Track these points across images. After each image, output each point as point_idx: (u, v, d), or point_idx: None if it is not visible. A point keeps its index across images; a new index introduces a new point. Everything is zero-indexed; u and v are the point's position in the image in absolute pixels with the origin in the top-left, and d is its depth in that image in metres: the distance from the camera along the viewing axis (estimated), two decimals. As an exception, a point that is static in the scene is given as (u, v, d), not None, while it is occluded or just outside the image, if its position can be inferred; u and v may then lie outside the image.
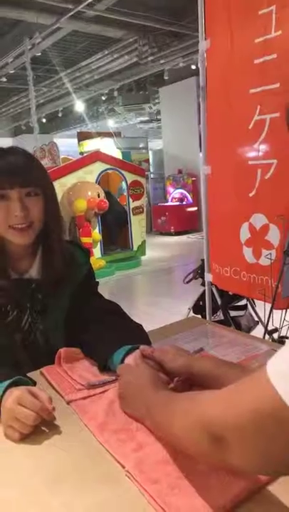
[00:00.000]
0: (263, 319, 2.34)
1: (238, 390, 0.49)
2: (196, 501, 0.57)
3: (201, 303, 2.83)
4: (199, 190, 9.05)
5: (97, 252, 6.33)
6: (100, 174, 6.40)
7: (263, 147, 2.01)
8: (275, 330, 2.17)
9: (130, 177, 6.86)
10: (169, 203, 10.29)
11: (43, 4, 5.76)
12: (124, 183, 6.94)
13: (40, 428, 0.76)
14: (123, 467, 0.65)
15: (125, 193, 6.96)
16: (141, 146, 12.36)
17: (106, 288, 5.37)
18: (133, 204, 6.95)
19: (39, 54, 7.63)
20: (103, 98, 11.14)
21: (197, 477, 0.61)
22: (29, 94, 7.86)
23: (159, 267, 6.75)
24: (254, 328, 2.73)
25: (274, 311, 2.04)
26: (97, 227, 6.28)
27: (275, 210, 1.98)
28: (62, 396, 0.88)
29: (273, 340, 2.16)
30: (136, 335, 1.01)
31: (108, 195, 6.39)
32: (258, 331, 2.55)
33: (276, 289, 1.98)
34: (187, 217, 9.92)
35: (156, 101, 10.88)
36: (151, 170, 12.21)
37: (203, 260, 2.57)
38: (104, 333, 1.02)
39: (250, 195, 2.10)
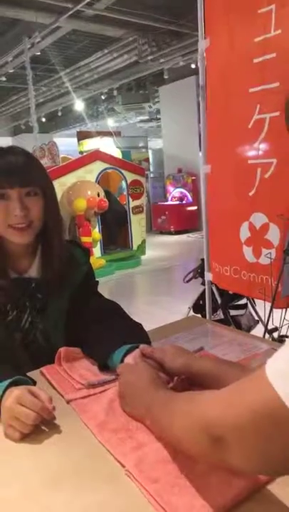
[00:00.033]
0: (263, 318, 2.34)
1: (237, 390, 0.49)
2: (195, 500, 0.57)
3: (201, 302, 2.83)
4: (199, 190, 9.06)
5: (97, 251, 6.33)
6: (99, 173, 6.40)
7: (263, 146, 2.01)
8: (275, 329, 2.17)
9: (130, 176, 6.86)
10: (169, 202, 10.29)
11: (42, 3, 5.76)
12: (123, 183, 6.93)
13: (40, 427, 0.76)
14: (123, 466, 0.65)
15: (125, 193, 6.96)
16: (141, 145, 12.36)
17: (106, 287, 5.37)
18: (133, 203, 6.95)
19: (38, 53, 7.63)
20: (103, 97, 11.14)
21: (197, 476, 0.61)
22: (28, 93, 7.87)
23: (159, 267, 6.75)
24: (254, 327, 2.73)
25: (274, 310, 2.04)
26: (97, 227, 6.28)
27: (275, 209, 1.98)
28: (62, 395, 0.88)
29: (273, 339, 2.16)
30: (136, 334, 1.01)
31: (108, 194, 6.39)
32: (258, 330, 2.55)
33: (276, 288, 1.98)
34: (187, 216, 9.92)
35: (156, 100, 10.88)
36: (151, 169, 12.21)
37: (203, 259, 2.57)
38: (104, 332, 1.02)
39: (250, 194, 2.10)
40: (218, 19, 2.17)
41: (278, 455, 0.43)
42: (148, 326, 1.12)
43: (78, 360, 1.02)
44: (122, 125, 13.22)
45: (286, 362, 0.42)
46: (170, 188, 10.40)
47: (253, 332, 2.63)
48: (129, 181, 6.86)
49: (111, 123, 12.71)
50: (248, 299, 2.71)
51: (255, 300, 2.64)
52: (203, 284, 2.68)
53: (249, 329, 2.69)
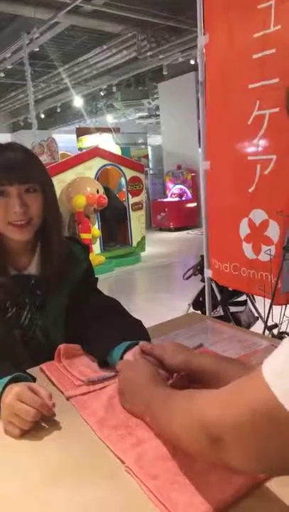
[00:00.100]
0: (262, 315, 2.34)
1: (235, 390, 0.49)
2: (195, 497, 0.57)
3: (200, 299, 2.83)
4: (199, 186, 9.04)
5: (96, 248, 6.33)
6: (99, 170, 6.39)
7: (263, 142, 2.00)
8: (275, 325, 2.17)
9: (129, 173, 6.85)
10: (169, 199, 10.28)
11: (41, -2, 5.73)
12: (123, 179, 6.92)
13: (40, 424, 0.76)
14: (123, 463, 0.65)
15: (124, 189, 6.95)
16: (140, 141, 12.33)
17: (105, 284, 5.37)
18: (132, 200, 6.95)
19: (37, 49, 7.59)
20: (102, 93, 11.10)
21: (196, 473, 0.61)
22: (27, 89, 7.84)
23: (159, 263, 6.75)
24: (254, 323, 2.73)
25: (274, 306, 2.04)
26: (97, 224, 6.27)
27: (275, 206, 1.98)
28: (62, 392, 0.88)
29: (273, 335, 2.16)
30: (135, 331, 1.01)
31: (107, 191, 6.38)
32: (258, 327, 2.55)
33: (276, 284, 1.98)
34: (186, 213, 9.91)
35: (155, 96, 10.85)
36: (151, 166, 12.19)
37: (202, 256, 2.57)
38: (104, 329, 1.02)
39: (250, 190, 2.10)
40: (218, 15, 2.16)
41: (276, 455, 0.43)
42: (148, 323, 1.12)
43: (78, 356, 1.03)
44: (121, 121, 13.18)
45: (282, 361, 0.42)
46: (169, 185, 10.39)
47: (253, 328, 2.63)
48: (128, 178, 6.84)
49: (110, 119, 12.67)
50: (247, 295, 2.71)
51: (255, 297, 2.64)
52: (202, 280, 2.68)
53: (249, 326, 2.69)
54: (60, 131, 14.00)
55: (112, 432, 0.73)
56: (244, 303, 2.76)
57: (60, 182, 5.75)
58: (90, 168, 6.26)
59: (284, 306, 2.10)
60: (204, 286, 2.61)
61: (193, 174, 9.70)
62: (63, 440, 0.73)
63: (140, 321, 1.07)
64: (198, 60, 2.35)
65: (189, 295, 2.96)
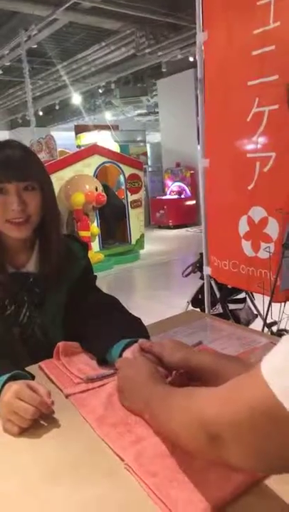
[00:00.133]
0: (261, 312, 2.34)
1: (234, 387, 0.49)
2: (194, 494, 0.57)
3: (199, 296, 2.83)
4: (198, 184, 9.03)
5: (95, 245, 6.33)
6: (97, 167, 6.38)
7: (262, 140, 2.00)
8: (274, 323, 2.17)
9: (128, 170, 6.84)
10: (168, 197, 10.27)
11: (39, -5, 5.71)
12: (122, 177, 6.91)
13: (39, 422, 0.76)
14: (122, 460, 0.65)
15: (123, 187, 6.94)
16: (139, 139, 12.31)
17: (104, 282, 5.37)
18: (131, 197, 6.94)
19: (35, 46, 7.56)
20: (100, 91, 11.07)
21: (195, 471, 0.61)
22: (25, 86, 7.81)
23: (158, 261, 6.75)
24: (253, 321, 2.73)
25: (273, 304, 2.04)
26: (96, 221, 6.27)
27: (274, 203, 1.98)
28: (61, 390, 0.88)
29: (272, 333, 2.17)
30: (134, 328, 1.01)
31: (106, 188, 6.37)
32: (257, 324, 2.56)
33: (275, 282, 1.98)
34: (186, 210, 9.91)
35: (154, 93, 10.82)
36: (150, 163, 12.17)
37: (201, 253, 2.57)
38: (103, 326, 1.02)
39: (249, 188, 2.09)
40: (217, 12, 2.15)
41: (275, 453, 0.43)
42: (147, 321, 1.12)
43: (77, 354, 1.02)
44: (120, 119, 13.15)
45: (281, 359, 0.42)
46: (168, 182, 10.38)
47: (252, 326, 2.63)
48: (127, 175, 6.84)
49: (109, 116, 12.64)
50: (246, 293, 2.72)
51: (254, 294, 2.64)
52: (202, 278, 2.68)
53: (248, 323, 2.70)
54: (58, 129, 13.97)
55: (111, 430, 0.73)
56: (243, 300, 2.77)
57: (58, 179, 5.74)
58: (89, 166, 6.25)
59: (283, 304, 2.10)
60: (203, 283, 2.61)
61: (192, 172, 9.69)
62: (62, 438, 0.73)
63: (139, 319, 1.07)
64: (197, 57, 2.34)
65: (188, 292, 2.96)
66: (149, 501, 0.57)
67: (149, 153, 12.37)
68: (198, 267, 2.80)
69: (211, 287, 2.59)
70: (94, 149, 6.45)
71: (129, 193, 6.89)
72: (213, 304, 2.64)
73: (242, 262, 2.22)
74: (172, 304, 3.71)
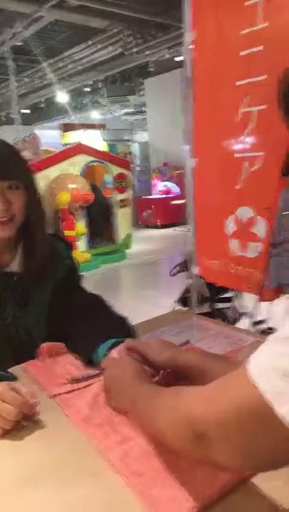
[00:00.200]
0: (249, 311, 2.35)
1: (221, 386, 0.49)
2: (180, 494, 0.57)
3: (187, 295, 2.83)
4: (185, 183, 9.05)
5: (82, 245, 6.29)
6: (84, 166, 6.34)
7: (250, 140, 2.00)
8: (261, 321, 2.18)
9: (115, 170, 6.82)
10: (155, 196, 10.28)
11: (25, -8, 5.65)
12: (109, 176, 6.89)
13: (23, 423, 0.75)
14: (108, 460, 0.64)
15: (110, 186, 6.91)
16: (126, 138, 12.29)
17: (91, 281, 5.34)
18: (118, 197, 6.92)
19: (20, 43, 7.49)
20: (87, 89, 11.02)
21: (182, 470, 0.61)
22: (10, 84, 7.73)
23: (145, 260, 6.75)
24: (239, 319, 2.75)
25: (260, 302, 2.05)
26: (82, 220, 6.23)
27: (262, 203, 1.98)
28: (46, 390, 0.86)
29: (259, 331, 2.18)
30: (121, 328, 1.00)
31: (93, 187, 6.34)
32: (244, 322, 2.57)
33: (263, 281, 1.99)
34: (173, 210, 9.91)
35: (142, 93, 10.82)
36: (137, 162, 12.16)
37: (189, 253, 2.57)
38: (89, 326, 1.01)
39: (237, 187, 2.10)
40: (205, 11, 2.15)
41: (261, 451, 0.43)
42: (134, 320, 1.11)
43: (62, 355, 1.01)
44: (107, 118, 13.12)
45: (267, 358, 0.42)
46: (156, 182, 10.38)
47: (239, 324, 2.64)
48: (114, 175, 6.81)
49: (96, 115, 12.59)
50: (234, 291, 2.72)
51: (242, 292, 2.65)
52: (189, 277, 2.68)
53: (234, 321, 2.71)
54: (43, 127, 13.86)
55: (97, 430, 0.72)
56: (230, 299, 2.78)
57: (43, 178, 5.69)
58: (75, 165, 6.21)
59: (270, 302, 2.12)
60: (190, 283, 2.61)
61: (179, 171, 9.71)
62: (46, 439, 0.72)
63: (126, 318, 1.06)
64: (184, 56, 2.34)
65: (176, 292, 2.95)
66: (134, 501, 0.56)
67: (136, 153, 12.36)
68: (185, 266, 2.80)
69: (200, 286, 2.59)
70: (79, 148, 6.40)
71: (116, 192, 6.87)
72: (201, 303, 2.64)
73: (230, 261, 2.22)
74: (159, 304, 3.70)
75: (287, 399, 0.39)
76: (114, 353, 0.89)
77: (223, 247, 2.23)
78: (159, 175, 10.28)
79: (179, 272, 2.89)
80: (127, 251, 7.08)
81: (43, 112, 13.35)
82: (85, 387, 0.87)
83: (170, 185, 10.02)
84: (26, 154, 6.25)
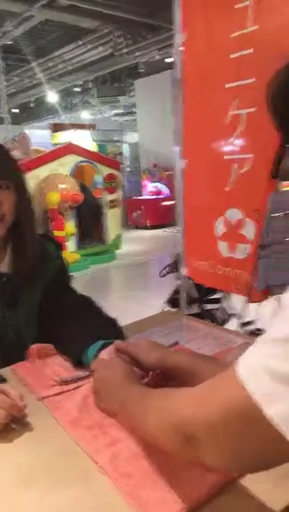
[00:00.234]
0: (237, 312, 2.37)
1: (209, 388, 0.49)
2: (169, 496, 0.57)
3: (176, 296, 2.84)
4: (175, 184, 9.06)
5: (71, 245, 6.26)
6: (74, 167, 6.32)
7: (239, 142, 2.02)
8: (250, 322, 2.20)
9: (105, 170, 6.81)
10: (145, 197, 10.28)
11: (15, -9, 5.61)
12: (99, 176, 6.87)
13: (11, 426, 0.74)
14: (96, 463, 0.64)
15: (100, 186, 6.90)
16: (116, 138, 12.28)
17: (81, 282, 5.32)
18: (108, 197, 6.91)
19: (10, 42, 7.44)
20: (77, 89, 10.99)
21: (171, 471, 0.61)
22: None
23: (135, 261, 6.74)
24: (228, 320, 2.76)
25: (249, 303, 2.06)
26: (72, 221, 6.21)
27: (251, 205, 2.00)
28: (35, 393, 0.86)
29: (247, 332, 2.19)
30: (110, 329, 1.00)
31: (83, 188, 6.32)
32: (233, 323, 2.58)
33: (251, 282, 2.00)
34: (163, 211, 9.93)
35: (132, 93, 10.82)
36: (127, 163, 12.15)
37: (178, 254, 2.58)
38: (78, 327, 1.01)
39: (226, 189, 2.11)
40: (195, 13, 2.16)
41: (250, 452, 0.43)
42: (123, 321, 1.11)
43: (51, 356, 1.00)
44: (97, 118, 13.09)
45: (256, 360, 0.42)
46: (146, 183, 10.39)
47: (228, 325, 2.66)
48: (104, 175, 6.80)
49: (86, 116, 12.56)
50: (222, 292, 2.74)
51: (230, 294, 2.66)
52: (179, 278, 2.68)
53: (223, 322, 2.72)
54: (32, 127, 13.77)
55: (86, 432, 0.72)
56: (219, 300, 2.79)
57: (33, 178, 5.66)
58: (65, 165, 6.18)
59: (258, 304, 2.13)
60: (180, 284, 2.62)
61: (169, 172, 9.73)
62: (34, 441, 0.71)
63: (115, 319, 1.06)
64: (174, 58, 2.34)
65: (165, 293, 2.96)
66: (122, 503, 0.56)
67: (126, 153, 12.35)
68: (175, 267, 2.81)
69: (189, 287, 2.60)
70: (70, 148, 6.38)
71: (106, 193, 6.86)
72: (189, 304, 2.65)
73: (219, 262, 2.24)
74: (149, 305, 3.70)
75: (275, 400, 0.39)
76: (104, 354, 0.89)
77: (211, 248, 2.24)
78: (148, 176, 10.29)
79: (168, 273, 2.89)
80: (117, 251, 7.07)
81: (33, 111, 13.27)
82: (74, 388, 0.86)
83: (160, 186, 10.04)
84: (16, 154, 6.21)
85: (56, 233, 5.67)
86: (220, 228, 2.20)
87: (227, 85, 2.01)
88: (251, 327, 2.21)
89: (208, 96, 2.15)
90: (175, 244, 2.64)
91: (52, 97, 11.07)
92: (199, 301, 2.64)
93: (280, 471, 0.46)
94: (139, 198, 10.36)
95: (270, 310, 2.11)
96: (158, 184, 10.08)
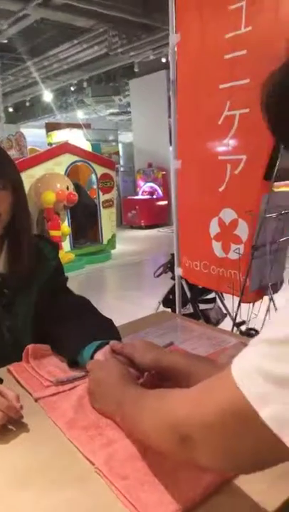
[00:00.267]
0: (231, 312, 2.38)
1: (205, 389, 0.49)
2: (164, 496, 0.57)
3: (170, 296, 2.85)
4: (169, 184, 9.08)
5: (66, 245, 6.25)
6: (69, 166, 6.31)
7: (233, 143, 2.03)
8: (243, 322, 2.21)
9: (100, 170, 6.80)
10: (140, 197, 10.28)
11: (10, -11, 5.59)
12: (93, 176, 6.86)
13: (7, 427, 0.74)
14: (92, 464, 0.64)
15: (95, 186, 6.89)
16: (111, 138, 12.26)
17: (75, 282, 5.32)
18: (103, 197, 6.90)
19: (5, 41, 7.40)
20: (72, 89, 10.95)
21: (166, 472, 0.61)
22: (-5, 82, 7.64)
23: (129, 261, 6.74)
24: (222, 320, 2.77)
25: (242, 303, 2.08)
26: (67, 221, 6.20)
27: (244, 205, 2.01)
28: (31, 393, 0.86)
29: (241, 332, 2.20)
30: (106, 330, 1.00)
31: (78, 187, 6.31)
32: (226, 323, 2.60)
33: (244, 282, 2.01)
34: (157, 211, 9.95)
35: (127, 93, 10.80)
36: (122, 163, 12.14)
37: (173, 254, 2.58)
38: (74, 328, 1.01)
39: (220, 190, 2.12)
40: (190, 14, 2.17)
41: (244, 454, 0.44)
42: (118, 321, 1.11)
43: (47, 357, 1.01)
44: (92, 117, 13.06)
45: (250, 362, 0.43)
46: (140, 183, 10.39)
47: (222, 325, 2.67)
48: (99, 175, 6.80)
49: (81, 115, 12.52)
50: (216, 293, 2.75)
51: (224, 294, 2.68)
52: (173, 278, 2.69)
53: (217, 322, 2.73)
54: (28, 126, 13.71)
55: (82, 433, 0.72)
56: (213, 300, 2.80)
57: (28, 177, 5.65)
58: (60, 164, 6.17)
59: (252, 304, 2.15)
60: (174, 283, 2.63)
61: (163, 172, 9.74)
62: (31, 442, 0.72)
63: (111, 320, 1.06)
64: (169, 58, 2.35)
65: (160, 293, 2.97)
66: (119, 505, 0.56)
67: (121, 153, 12.34)
68: (169, 267, 2.82)
69: (182, 287, 2.61)
70: (65, 147, 6.37)
71: (101, 193, 6.86)
72: (184, 304, 2.66)
73: (212, 262, 2.25)
74: (143, 305, 3.72)
75: (269, 401, 0.39)
76: (100, 355, 0.90)
77: (206, 248, 2.25)
78: (143, 176, 10.29)
79: (162, 273, 2.90)
80: (112, 251, 7.07)
81: (28, 110, 13.21)
82: (70, 389, 0.86)
83: (156, 186, 10.04)
84: (12, 153, 6.19)
85: (52, 233, 5.66)
86: (214, 228, 2.21)
87: (221, 86, 2.03)
88: (245, 327, 2.22)
89: (202, 96, 2.16)
90: (169, 244, 2.65)
91: (47, 96, 11.03)
92: (193, 301, 2.65)
93: (276, 471, 0.46)
94: (134, 197, 10.36)
95: (264, 310, 2.12)
96: (152, 184, 10.09)
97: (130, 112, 11.03)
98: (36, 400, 0.84)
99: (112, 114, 12.99)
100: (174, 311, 2.67)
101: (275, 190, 2.02)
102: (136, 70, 9.22)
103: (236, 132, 2.00)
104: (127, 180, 11.44)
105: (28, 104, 12.10)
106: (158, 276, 2.92)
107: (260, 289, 2.12)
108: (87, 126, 10.41)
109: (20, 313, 1.08)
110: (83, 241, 6.87)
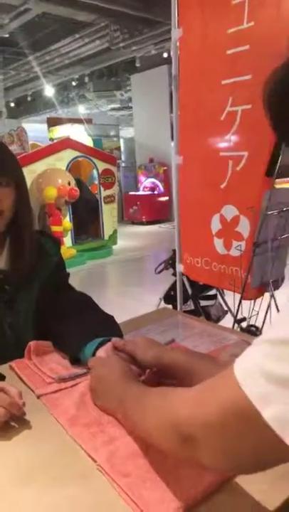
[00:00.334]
0: (232, 309, 2.38)
1: (207, 388, 0.49)
2: (166, 494, 0.57)
3: (172, 293, 2.85)
4: (171, 180, 9.06)
5: (68, 241, 6.26)
6: (70, 161, 6.30)
7: (235, 139, 2.02)
8: (244, 319, 2.21)
9: (101, 165, 6.79)
10: (141, 192, 10.26)
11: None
12: (95, 172, 6.85)
13: (10, 423, 0.75)
14: (94, 461, 0.65)
15: (96, 182, 6.88)
16: (112, 133, 12.22)
17: (77, 277, 5.33)
18: (104, 193, 6.89)
19: (7, 35, 7.37)
20: (74, 83, 10.91)
21: (168, 470, 0.61)
22: (-4, 76, 7.61)
23: (131, 257, 6.75)
24: (223, 317, 2.78)
25: (243, 300, 2.08)
26: (68, 216, 6.19)
27: (246, 202, 2.01)
28: (33, 390, 0.86)
29: (242, 329, 2.21)
30: (107, 327, 1.01)
31: (79, 183, 6.30)
32: (227, 320, 2.60)
33: (245, 279, 2.01)
34: (159, 206, 9.93)
35: (128, 88, 10.76)
36: (123, 158, 12.11)
37: (174, 250, 2.58)
38: (76, 325, 1.01)
39: (222, 186, 2.12)
40: (192, 9, 2.16)
41: (246, 453, 0.44)
42: (119, 317, 1.12)
43: (49, 353, 1.01)
44: (94, 112, 13.01)
45: (252, 362, 0.43)
46: (142, 178, 10.36)
47: (222, 321, 2.67)
48: (100, 170, 6.78)
49: (82, 110, 12.48)
50: (217, 289, 2.75)
51: (225, 290, 2.68)
52: (174, 274, 2.69)
53: (218, 319, 2.74)
54: (29, 121, 13.68)
55: (84, 430, 0.72)
56: (214, 297, 2.80)
57: (30, 173, 5.64)
58: (62, 160, 6.16)
59: (252, 300, 2.15)
60: (175, 280, 2.63)
61: (165, 168, 9.72)
62: (33, 440, 0.72)
63: (112, 317, 1.06)
64: (171, 53, 2.34)
65: (161, 289, 2.97)
66: (121, 502, 0.57)
67: (122, 148, 12.30)
68: (170, 263, 2.82)
69: (183, 284, 2.61)
70: (67, 143, 6.36)
71: (102, 188, 6.85)
72: (185, 300, 2.66)
73: (214, 259, 2.24)
74: (145, 301, 3.72)
75: (271, 401, 0.39)
76: (102, 352, 0.90)
77: (207, 245, 2.25)
78: (144, 171, 10.27)
79: (164, 269, 2.90)
80: (113, 247, 7.07)
81: (30, 105, 13.16)
82: (72, 386, 0.87)
83: (157, 181, 10.02)
84: (13, 148, 6.18)
85: (54, 228, 5.66)
86: (216, 225, 2.20)
87: (223, 81, 2.01)
88: (246, 324, 2.22)
89: (204, 92, 2.14)
90: (171, 240, 2.65)
91: (49, 90, 10.99)
92: (192, 297, 2.65)
93: (277, 471, 0.46)
94: (135, 193, 10.34)
95: (265, 307, 2.12)
96: (153, 180, 10.06)
97: (132, 107, 10.99)
98: (38, 397, 0.84)
99: (113, 109, 12.94)
100: (175, 307, 2.67)
101: (277, 187, 2.01)
102: (137, 64, 9.17)
103: (238, 128, 1.99)
104: (128, 176, 11.41)
105: (29, 98, 12.07)
106: (159, 272, 2.93)
107: (261, 286, 2.12)
108: (89, 121, 10.37)
109: (22, 309, 1.08)
110: (85, 237, 6.87)
